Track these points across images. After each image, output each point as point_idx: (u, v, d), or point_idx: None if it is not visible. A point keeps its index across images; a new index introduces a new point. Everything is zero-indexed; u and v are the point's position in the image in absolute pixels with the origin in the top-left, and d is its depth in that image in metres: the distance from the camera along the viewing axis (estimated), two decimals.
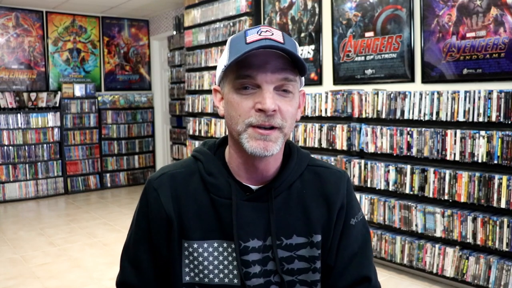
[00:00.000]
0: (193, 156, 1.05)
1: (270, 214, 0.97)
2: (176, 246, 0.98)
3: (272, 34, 0.90)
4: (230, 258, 0.96)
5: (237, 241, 0.95)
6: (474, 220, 2.80)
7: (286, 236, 0.98)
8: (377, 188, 3.33)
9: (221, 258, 0.97)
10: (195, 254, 0.97)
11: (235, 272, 0.96)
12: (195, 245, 0.97)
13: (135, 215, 1.05)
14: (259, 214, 0.97)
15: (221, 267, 0.97)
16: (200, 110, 5.13)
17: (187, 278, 0.98)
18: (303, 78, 0.98)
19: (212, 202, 0.97)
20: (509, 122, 2.65)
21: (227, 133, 1.02)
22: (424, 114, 3.04)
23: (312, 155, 1.10)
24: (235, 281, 0.96)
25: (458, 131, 2.86)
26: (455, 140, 2.88)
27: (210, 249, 0.97)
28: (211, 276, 0.97)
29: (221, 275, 0.96)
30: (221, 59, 0.96)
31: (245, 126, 0.90)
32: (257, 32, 0.90)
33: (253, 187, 0.99)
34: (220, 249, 0.97)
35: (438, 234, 2.98)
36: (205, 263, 0.97)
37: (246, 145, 0.90)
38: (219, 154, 1.04)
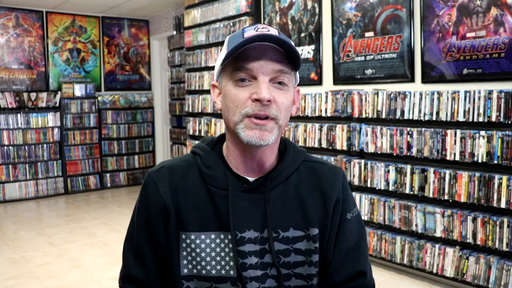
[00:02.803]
0: (192, 152, 1.08)
1: (266, 206, 0.99)
2: (174, 238, 0.99)
3: (269, 30, 0.95)
4: (227, 250, 0.98)
5: (233, 230, 0.96)
6: (474, 220, 2.80)
7: (283, 229, 1.00)
8: (377, 188, 3.33)
9: (218, 249, 0.98)
10: (193, 246, 0.98)
11: (231, 263, 0.97)
12: (193, 237, 0.98)
13: (135, 208, 1.07)
14: (255, 205, 0.99)
15: (218, 258, 0.98)
16: (200, 110, 5.13)
17: (185, 270, 0.99)
18: (297, 74, 1.02)
19: (210, 194, 0.99)
20: (509, 122, 2.66)
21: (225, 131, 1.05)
22: (424, 114, 3.04)
23: (312, 155, 1.12)
24: (231, 272, 0.97)
25: (458, 131, 2.86)
26: (455, 140, 2.88)
27: (208, 241, 0.98)
28: (208, 268, 0.98)
29: (218, 267, 0.98)
30: (219, 56, 1.00)
31: (242, 117, 0.93)
32: (254, 29, 0.95)
33: (250, 178, 1.01)
34: (217, 240, 0.98)
35: (438, 234, 2.98)
36: (203, 254, 0.98)
37: (242, 134, 0.93)
38: (217, 149, 1.07)
